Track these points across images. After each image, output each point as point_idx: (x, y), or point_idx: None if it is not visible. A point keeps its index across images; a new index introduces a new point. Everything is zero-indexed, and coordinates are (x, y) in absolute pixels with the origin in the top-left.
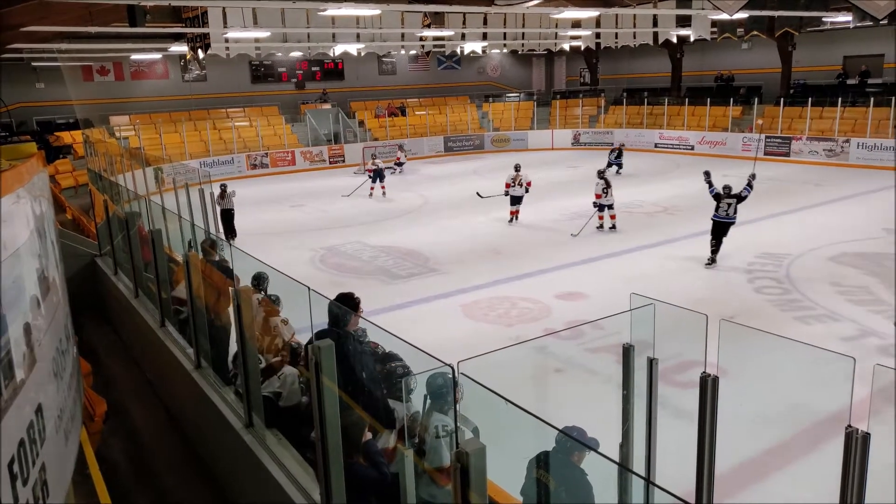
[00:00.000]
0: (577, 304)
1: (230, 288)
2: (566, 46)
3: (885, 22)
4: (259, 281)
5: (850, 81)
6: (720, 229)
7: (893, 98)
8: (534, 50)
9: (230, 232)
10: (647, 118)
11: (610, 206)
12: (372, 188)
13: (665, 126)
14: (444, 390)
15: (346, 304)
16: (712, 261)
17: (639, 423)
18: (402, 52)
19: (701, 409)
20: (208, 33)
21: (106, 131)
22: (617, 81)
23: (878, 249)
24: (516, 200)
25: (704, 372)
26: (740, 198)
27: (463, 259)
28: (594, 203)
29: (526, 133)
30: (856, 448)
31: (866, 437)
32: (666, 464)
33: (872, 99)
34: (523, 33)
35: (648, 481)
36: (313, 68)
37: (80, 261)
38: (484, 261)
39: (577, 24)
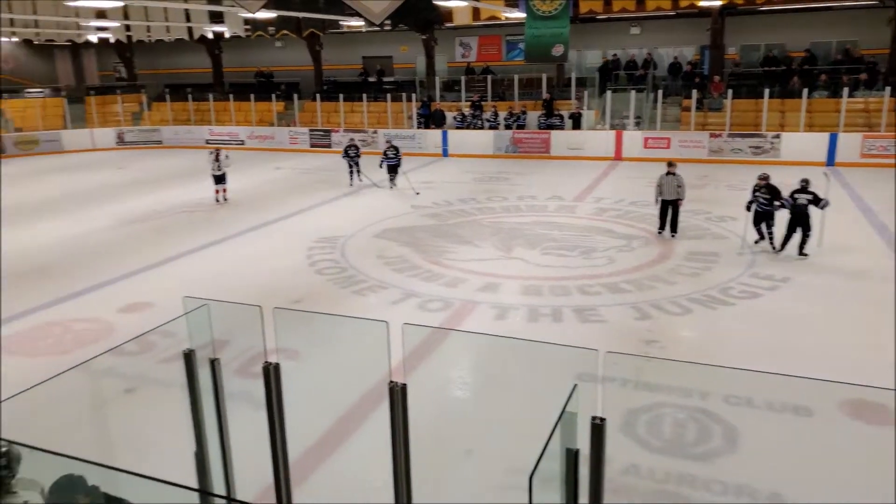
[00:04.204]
0: (144, 314)
1: None
2: (93, 38)
3: (388, 28)
4: None
5: (370, 79)
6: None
7: (404, 94)
8: (53, 40)
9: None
10: (195, 114)
11: None
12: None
13: (214, 122)
14: None
15: None
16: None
17: (213, 427)
18: None
19: (268, 397)
20: None
21: None
22: (157, 77)
23: (409, 224)
24: None
25: (266, 361)
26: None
27: None
28: None
29: (59, 133)
30: (398, 399)
31: (404, 387)
32: (245, 458)
33: (389, 95)
34: (36, 21)
35: (229, 499)
36: None
37: None
38: (26, 283)
39: (101, 14)
